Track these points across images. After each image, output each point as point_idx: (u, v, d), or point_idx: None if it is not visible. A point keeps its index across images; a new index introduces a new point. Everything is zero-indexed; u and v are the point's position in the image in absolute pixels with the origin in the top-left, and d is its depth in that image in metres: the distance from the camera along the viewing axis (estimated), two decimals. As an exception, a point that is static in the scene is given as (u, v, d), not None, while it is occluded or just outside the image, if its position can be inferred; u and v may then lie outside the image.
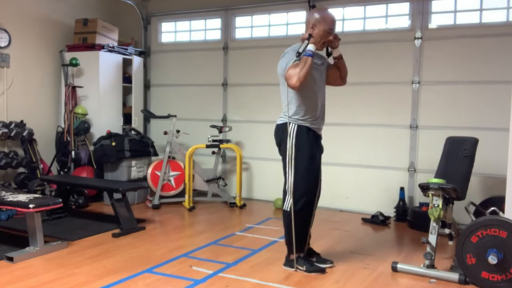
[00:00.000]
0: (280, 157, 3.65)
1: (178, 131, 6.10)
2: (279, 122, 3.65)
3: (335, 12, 5.84)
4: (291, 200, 3.50)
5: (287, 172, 3.55)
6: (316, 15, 3.54)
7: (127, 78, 6.70)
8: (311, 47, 3.39)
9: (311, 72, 3.42)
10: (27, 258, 3.76)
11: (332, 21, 3.54)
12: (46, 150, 6.03)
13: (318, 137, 3.67)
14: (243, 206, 5.88)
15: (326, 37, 3.50)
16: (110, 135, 5.94)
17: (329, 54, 3.71)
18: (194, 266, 3.68)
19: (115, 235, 4.46)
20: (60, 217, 4.99)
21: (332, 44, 3.58)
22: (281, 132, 3.60)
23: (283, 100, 3.59)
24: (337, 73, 3.78)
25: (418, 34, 5.36)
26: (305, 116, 3.53)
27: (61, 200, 4.10)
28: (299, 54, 3.34)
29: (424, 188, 3.63)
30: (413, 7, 5.41)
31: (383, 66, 5.57)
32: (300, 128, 3.53)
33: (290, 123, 3.54)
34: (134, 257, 3.89)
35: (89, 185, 5.43)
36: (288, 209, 3.52)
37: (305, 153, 3.52)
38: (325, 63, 3.74)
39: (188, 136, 6.33)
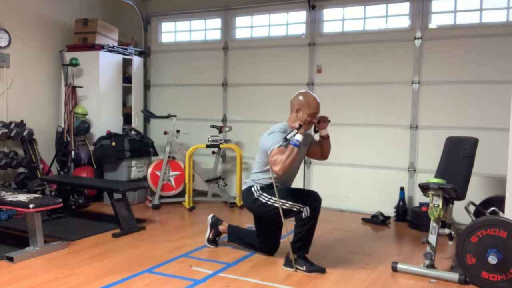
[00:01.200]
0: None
1: (178, 131, 6.10)
2: (244, 188, 3.84)
3: (335, 12, 5.87)
4: (307, 208, 3.53)
5: (277, 207, 3.58)
6: (301, 99, 3.66)
7: (127, 78, 6.70)
8: (298, 137, 3.46)
9: None
10: (27, 258, 3.76)
11: (316, 106, 3.64)
12: (46, 150, 6.03)
13: None
14: (243, 206, 5.87)
15: (311, 120, 3.61)
16: (110, 135, 5.94)
17: (316, 131, 3.79)
18: (194, 266, 3.68)
19: (115, 235, 4.46)
20: (60, 217, 4.99)
21: (319, 125, 3.70)
22: (246, 196, 3.78)
23: (255, 168, 3.77)
24: (319, 150, 3.90)
25: (418, 34, 5.36)
26: (270, 185, 3.63)
27: (61, 200, 4.10)
28: (286, 140, 3.44)
29: (424, 188, 3.63)
30: (413, 7, 5.41)
31: (383, 66, 5.57)
32: (262, 185, 3.71)
33: (253, 186, 3.72)
34: (134, 257, 3.89)
35: (89, 185, 5.43)
36: (309, 214, 3.53)
37: (281, 190, 3.62)
38: (308, 141, 3.84)
39: (188, 136, 6.33)
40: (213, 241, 4.21)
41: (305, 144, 3.75)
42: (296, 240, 3.61)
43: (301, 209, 3.54)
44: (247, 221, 5.09)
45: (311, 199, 3.61)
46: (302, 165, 3.98)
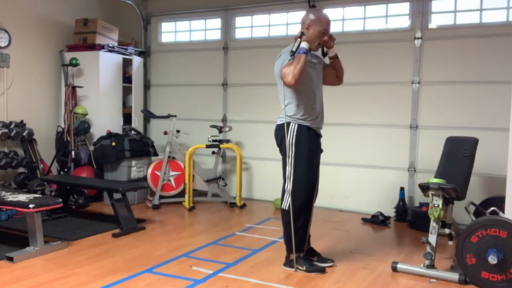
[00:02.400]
0: (281, 157, 3.65)
1: (178, 131, 6.10)
2: (279, 122, 3.66)
3: (335, 12, 5.87)
4: (289, 199, 3.50)
5: (287, 171, 3.56)
6: (311, 16, 3.57)
7: (127, 78, 6.70)
8: (304, 44, 3.41)
9: (308, 71, 3.46)
10: (27, 258, 3.76)
11: (326, 22, 3.57)
12: (46, 150, 6.03)
13: (318, 136, 3.68)
14: (243, 206, 5.88)
15: (321, 37, 3.53)
16: (110, 135, 5.94)
17: (324, 54, 3.73)
18: (194, 266, 3.68)
19: (115, 235, 4.46)
20: (60, 217, 4.99)
21: (327, 44, 3.61)
22: (281, 132, 3.60)
23: (281, 100, 3.60)
24: (333, 73, 3.80)
25: (418, 34, 5.36)
26: (305, 116, 3.54)
27: (61, 200, 4.10)
28: (293, 53, 3.37)
29: (424, 188, 3.63)
30: (413, 7, 5.41)
31: (383, 66, 5.57)
32: (300, 127, 3.54)
33: (290, 122, 3.55)
34: (134, 257, 3.89)
35: (89, 185, 5.43)
36: (287, 208, 3.53)
37: (305, 152, 3.53)
38: (322, 62, 3.75)
39: (188, 136, 6.33)
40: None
41: (319, 62, 3.67)
42: (285, 240, 3.62)
43: (285, 194, 3.50)
44: (247, 221, 5.10)
45: (298, 195, 3.50)
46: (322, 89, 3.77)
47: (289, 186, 3.53)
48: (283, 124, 3.57)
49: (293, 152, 3.53)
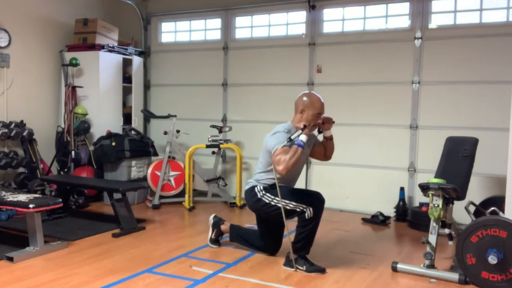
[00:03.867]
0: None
1: (178, 131, 6.10)
2: (247, 187, 3.82)
3: (335, 12, 5.87)
4: (310, 208, 3.53)
5: (280, 207, 3.57)
6: (305, 99, 3.67)
7: (127, 78, 6.70)
8: (303, 137, 3.46)
9: None
10: (27, 258, 3.76)
11: (320, 105, 3.66)
12: (46, 150, 6.03)
13: None
14: (243, 206, 5.87)
15: (315, 120, 3.61)
16: (110, 135, 5.94)
17: (320, 132, 3.79)
18: (194, 266, 3.68)
19: (115, 235, 4.46)
20: (60, 217, 4.99)
21: (324, 126, 3.70)
22: (249, 196, 3.78)
23: (258, 167, 3.76)
24: (322, 151, 3.91)
25: (418, 34, 5.36)
26: (273, 185, 3.61)
27: (61, 200, 4.10)
28: (290, 140, 3.43)
29: (424, 188, 3.63)
30: (413, 7, 5.41)
31: (383, 66, 5.57)
32: (265, 185, 3.70)
33: (257, 185, 3.72)
34: (134, 257, 3.89)
35: (89, 185, 5.43)
36: (312, 215, 3.53)
37: (285, 190, 3.62)
38: (312, 142, 3.83)
39: (188, 136, 6.33)
40: (216, 241, 4.22)
41: (309, 144, 3.75)
42: (297, 240, 3.61)
43: (304, 210, 3.53)
44: (247, 221, 5.09)
45: (314, 199, 3.61)
46: (304, 165, 3.98)
47: (301, 207, 3.54)
48: (251, 187, 3.77)
49: (270, 196, 3.64)
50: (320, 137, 3.88)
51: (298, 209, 3.56)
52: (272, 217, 3.73)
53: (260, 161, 3.77)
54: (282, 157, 3.38)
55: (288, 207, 3.56)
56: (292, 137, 3.45)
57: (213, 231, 4.22)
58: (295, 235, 3.64)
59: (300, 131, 3.48)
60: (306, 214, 3.53)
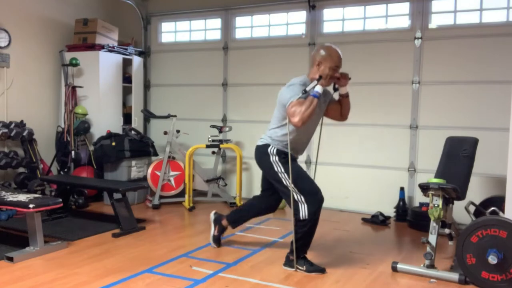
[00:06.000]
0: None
1: (178, 131, 6.10)
2: (259, 143, 3.72)
3: (335, 12, 5.87)
4: (306, 206, 3.48)
5: (286, 186, 3.55)
6: (322, 52, 3.55)
7: (127, 78, 6.70)
8: (318, 88, 3.39)
9: None
10: (27, 258, 3.76)
11: (338, 58, 3.54)
12: (46, 150, 6.03)
13: (296, 159, 3.73)
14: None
15: (332, 74, 3.50)
16: (110, 135, 5.94)
17: (335, 89, 3.68)
18: (194, 266, 3.68)
19: (115, 235, 4.47)
20: (60, 217, 4.99)
21: (340, 82, 3.58)
22: (259, 153, 3.70)
23: (273, 122, 3.67)
24: (338, 109, 3.79)
25: (418, 34, 5.36)
26: (287, 145, 3.56)
27: (61, 200, 4.10)
28: (305, 92, 3.36)
29: (424, 188, 3.63)
30: (413, 7, 5.41)
31: (383, 66, 5.57)
32: (279, 151, 3.61)
33: (270, 145, 3.63)
34: (134, 257, 3.89)
35: (89, 185, 5.43)
36: (307, 216, 3.48)
37: (293, 164, 3.56)
38: (328, 99, 3.74)
39: (188, 136, 6.33)
40: (219, 238, 4.19)
41: (324, 100, 3.66)
42: (294, 240, 3.59)
43: (299, 204, 3.48)
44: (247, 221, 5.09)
45: (313, 199, 3.52)
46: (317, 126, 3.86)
47: (300, 197, 3.50)
48: (263, 144, 3.67)
49: (281, 168, 3.57)
50: (336, 96, 3.76)
51: (295, 197, 3.51)
52: (275, 182, 3.67)
53: (275, 116, 3.65)
54: (298, 108, 3.30)
55: (296, 190, 3.51)
56: (308, 88, 3.37)
57: (215, 227, 4.20)
58: (293, 235, 3.62)
59: (316, 82, 3.39)
60: (301, 214, 3.48)
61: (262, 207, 4.04)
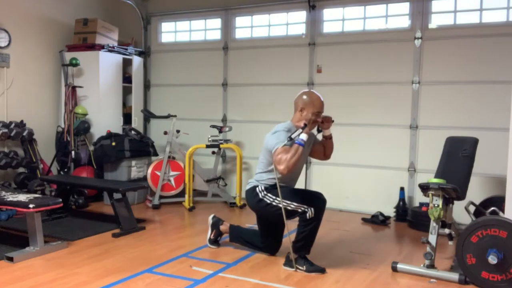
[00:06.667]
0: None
1: (178, 131, 6.10)
2: (248, 187, 3.81)
3: (335, 12, 5.87)
4: (312, 208, 3.53)
5: (286, 209, 3.56)
6: (305, 98, 3.68)
7: (127, 78, 6.70)
8: (303, 136, 3.45)
9: None
10: (27, 258, 3.76)
11: (320, 104, 3.66)
12: (46, 150, 6.03)
13: None
14: (243, 206, 5.87)
15: (315, 118, 3.60)
16: (110, 135, 5.94)
17: (319, 131, 3.77)
18: (194, 266, 3.68)
19: (115, 235, 4.46)
20: (60, 217, 4.99)
21: (323, 125, 3.69)
22: (250, 196, 3.78)
23: (259, 167, 3.76)
24: (321, 150, 3.90)
25: (418, 34, 5.36)
26: (275, 184, 3.59)
27: (61, 200, 4.10)
28: (290, 139, 3.43)
29: (424, 188, 3.63)
30: (413, 7, 5.41)
31: (383, 66, 5.57)
32: (266, 186, 3.69)
33: (258, 185, 3.71)
34: (134, 257, 3.89)
35: (89, 185, 5.43)
36: (313, 214, 3.53)
37: (283, 188, 3.61)
38: (312, 140, 3.83)
39: (188, 136, 6.33)
40: (215, 241, 4.22)
41: (309, 143, 3.74)
42: (298, 239, 3.61)
43: (306, 210, 3.53)
44: (247, 221, 5.10)
45: (316, 200, 3.62)
46: (304, 165, 3.98)
47: (303, 208, 3.54)
48: (252, 187, 3.76)
49: (272, 196, 3.63)
50: (319, 137, 3.88)
51: (299, 210, 3.55)
52: (273, 217, 3.73)
53: (260, 161, 3.77)
54: (283, 156, 3.38)
55: (289, 208, 3.56)
56: (293, 136, 3.45)
57: (212, 231, 4.22)
58: (295, 234, 3.63)
59: (301, 130, 3.47)
60: (308, 214, 3.53)
61: (262, 245, 4.01)
